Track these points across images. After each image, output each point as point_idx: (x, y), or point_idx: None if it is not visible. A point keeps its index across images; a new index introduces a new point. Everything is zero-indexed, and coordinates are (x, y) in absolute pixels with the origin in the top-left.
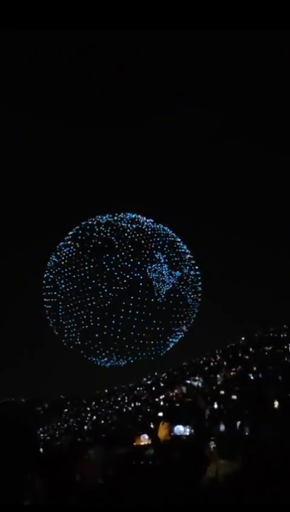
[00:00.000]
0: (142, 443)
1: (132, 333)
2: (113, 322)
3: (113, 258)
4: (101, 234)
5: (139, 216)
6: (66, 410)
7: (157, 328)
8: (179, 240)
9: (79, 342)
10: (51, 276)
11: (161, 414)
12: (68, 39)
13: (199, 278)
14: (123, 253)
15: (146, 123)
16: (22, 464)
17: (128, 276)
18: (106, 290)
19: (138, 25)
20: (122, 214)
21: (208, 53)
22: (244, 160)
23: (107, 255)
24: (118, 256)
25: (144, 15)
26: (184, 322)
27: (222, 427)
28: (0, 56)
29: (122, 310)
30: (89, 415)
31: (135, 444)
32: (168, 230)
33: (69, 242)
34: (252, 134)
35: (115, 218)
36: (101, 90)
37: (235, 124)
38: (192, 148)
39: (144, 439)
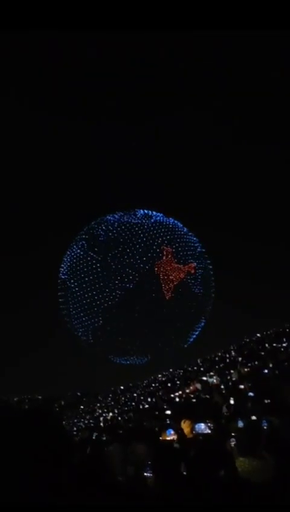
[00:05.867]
0: (168, 438)
1: (147, 329)
2: (123, 319)
3: (119, 255)
4: (108, 232)
5: (149, 212)
6: (82, 407)
7: (178, 324)
8: (191, 233)
9: (91, 340)
10: (62, 276)
11: (168, 412)
12: (69, 40)
13: (211, 273)
14: (128, 250)
15: (158, 118)
16: (53, 459)
17: (135, 273)
18: (113, 288)
19: (139, 26)
20: (132, 210)
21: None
22: (258, 155)
23: (114, 252)
24: (123, 253)
25: (145, 16)
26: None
27: (240, 424)
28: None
29: (132, 307)
30: (105, 410)
31: (160, 438)
32: (179, 224)
33: (79, 242)
34: (265, 128)
35: (125, 216)
36: (106, 87)
37: (246, 122)
38: (205, 142)
39: (170, 434)
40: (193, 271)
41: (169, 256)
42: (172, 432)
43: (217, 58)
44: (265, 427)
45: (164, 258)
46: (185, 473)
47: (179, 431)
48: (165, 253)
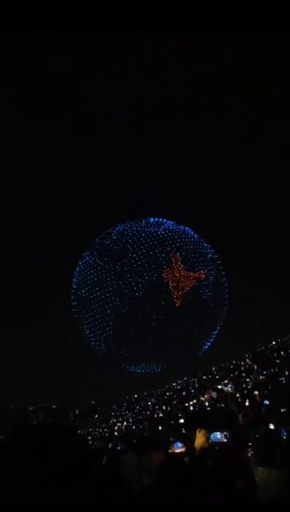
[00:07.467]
0: (176, 451)
1: (161, 338)
2: (133, 327)
3: (128, 264)
4: (118, 241)
5: (160, 219)
6: (97, 416)
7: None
8: (202, 240)
9: (105, 350)
10: (74, 287)
11: (182, 421)
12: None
13: (225, 279)
14: (137, 259)
15: (169, 127)
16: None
17: (144, 282)
18: (123, 297)
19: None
20: (143, 219)
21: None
22: (272, 162)
23: (124, 261)
24: (132, 261)
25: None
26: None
27: (257, 433)
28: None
29: (142, 315)
30: (120, 419)
31: (169, 451)
32: (190, 231)
33: (91, 252)
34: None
35: (136, 225)
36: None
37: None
38: (216, 149)
39: (178, 447)
40: (203, 277)
41: (178, 263)
42: (180, 445)
43: (217, 58)
44: (284, 437)
45: (174, 265)
46: (197, 485)
47: (188, 443)
48: (174, 260)
